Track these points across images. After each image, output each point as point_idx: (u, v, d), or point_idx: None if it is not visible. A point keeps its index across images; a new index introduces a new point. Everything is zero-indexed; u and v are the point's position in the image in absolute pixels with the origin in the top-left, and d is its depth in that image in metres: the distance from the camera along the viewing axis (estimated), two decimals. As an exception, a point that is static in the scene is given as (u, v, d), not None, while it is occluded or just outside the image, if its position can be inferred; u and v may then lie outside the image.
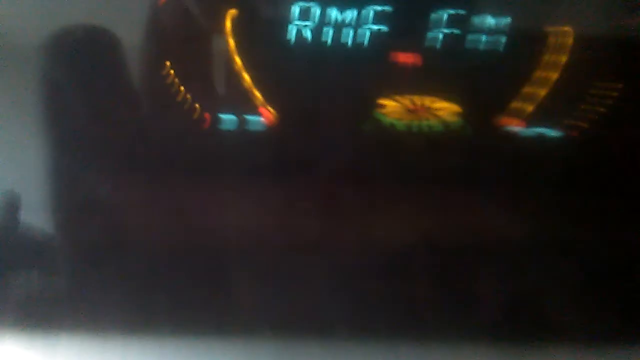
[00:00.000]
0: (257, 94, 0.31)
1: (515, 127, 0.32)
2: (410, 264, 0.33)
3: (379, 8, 0.30)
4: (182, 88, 0.30)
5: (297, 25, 0.30)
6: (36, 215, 0.33)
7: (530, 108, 0.32)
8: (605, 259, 0.33)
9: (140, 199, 0.33)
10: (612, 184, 0.33)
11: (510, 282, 0.34)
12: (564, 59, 0.31)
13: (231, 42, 0.30)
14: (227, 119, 0.31)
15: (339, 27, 0.30)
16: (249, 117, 0.31)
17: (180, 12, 0.30)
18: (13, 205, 0.33)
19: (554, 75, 0.31)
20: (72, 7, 0.29)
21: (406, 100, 0.31)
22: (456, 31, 0.30)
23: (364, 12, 0.30)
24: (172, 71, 0.30)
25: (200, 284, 0.33)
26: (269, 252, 0.33)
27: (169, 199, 0.32)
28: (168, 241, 0.33)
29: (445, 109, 0.32)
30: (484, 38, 0.30)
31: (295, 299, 0.34)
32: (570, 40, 0.31)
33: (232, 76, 0.30)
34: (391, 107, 0.32)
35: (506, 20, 0.30)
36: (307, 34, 0.30)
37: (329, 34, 0.30)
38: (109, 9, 0.29)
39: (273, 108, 0.31)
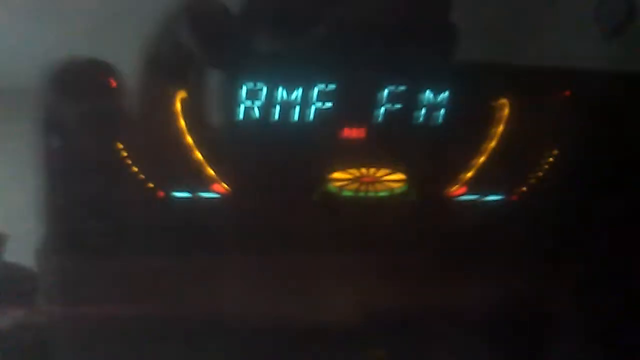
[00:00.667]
0: (210, 171, 0.32)
1: (457, 192, 0.34)
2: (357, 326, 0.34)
3: (323, 87, 0.31)
4: (135, 168, 0.31)
5: (245, 105, 0.31)
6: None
7: (469, 174, 0.33)
8: (539, 315, 0.35)
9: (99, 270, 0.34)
10: (548, 242, 0.34)
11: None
12: (500, 128, 0.33)
13: (182, 122, 0.31)
14: (181, 196, 0.32)
15: (285, 105, 0.31)
16: (203, 194, 0.32)
17: (132, 96, 0.30)
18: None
19: (491, 144, 0.33)
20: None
21: (353, 171, 0.33)
22: (398, 106, 0.32)
23: (309, 90, 0.31)
24: (124, 152, 0.31)
25: (147, 349, 0.34)
26: (223, 320, 0.34)
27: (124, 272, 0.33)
28: (122, 307, 0.34)
29: (390, 178, 0.33)
30: (424, 112, 0.32)
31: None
32: (505, 111, 0.33)
33: (185, 155, 0.31)
34: (339, 178, 0.33)
35: (444, 95, 0.32)
36: (256, 113, 0.31)
37: (276, 113, 0.31)
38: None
39: (226, 184, 0.32)
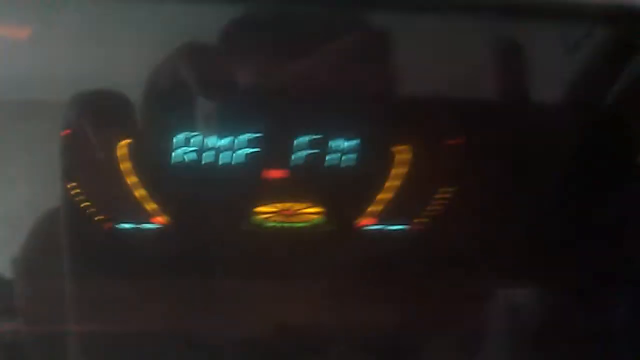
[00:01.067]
0: (151, 205, 0.37)
1: (368, 223, 0.39)
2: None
3: (251, 135, 0.36)
4: (87, 202, 0.36)
5: (181, 151, 0.36)
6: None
7: (379, 208, 0.39)
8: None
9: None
10: (451, 268, 0.40)
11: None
12: (405, 170, 0.38)
13: (125, 165, 0.36)
14: (127, 227, 0.37)
15: (216, 150, 0.36)
16: (145, 225, 0.37)
17: (81, 143, 0.35)
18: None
19: (398, 183, 0.38)
20: None
21: (277, 205, 0.38)
22: (315, 151, 0.37)
23: (237, 138, 0.36)
24: (77, 189, 0.36)
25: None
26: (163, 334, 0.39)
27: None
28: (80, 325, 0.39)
29: (310, 212, 0.38)
30: (338, 156, 0.37)
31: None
32: (409, 156, 0.38)
33: (128, 192, 0.36)
34: (264, 211, 0.38)
35: (356, 142, 0.37)
36: (191, 157, 0.36)
37: (208, 157, 0.36)
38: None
39: (166, 216, 0.37)
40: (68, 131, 0.35)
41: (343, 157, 0.37)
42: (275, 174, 0.37)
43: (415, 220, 0.39)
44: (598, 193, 0.41)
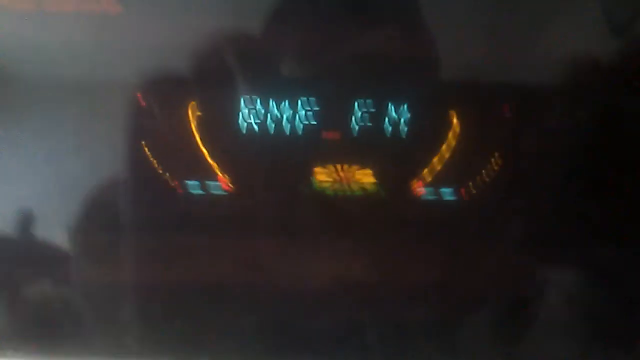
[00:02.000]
0: (215, 165, 0.40)
1: (418, 191, 0.41)
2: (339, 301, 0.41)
3: (307, 104, 0.39)
4: (155, 162, 0.40)
5: (244, 117, 0.39)
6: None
7: (429, 176, 0.41)
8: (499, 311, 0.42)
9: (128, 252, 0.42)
10: (495, 239, 0.41)
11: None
12: (453, 138, 0.40)
13: (196, 134, 0.39)
14: (192, 184, 0.40)
15: (277, 118, 0.39)
16: (210, 183, 0.40)
17: (154, 106, 0.39)
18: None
19: (445, 150, 0.40)
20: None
21: (333, 169, 0.40)
22: (367, 117, 0.40)
23: (296, 103, 0.39)
24: (146, 149, 0.40)
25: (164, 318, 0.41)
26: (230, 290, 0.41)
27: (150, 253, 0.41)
28: (143, 279, 0.42)
29: (362, 178, 0.41)
30: (389, 123, 0.40)
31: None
32: (457, 125, 0.40)
33: (199, 158, 0.40)
34: (322, 175, 0.41)
35: (406, 110, 0.40)
36: (254, 123, 0.39)
37: (271, 124, 0.40)
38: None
39: (228, 176, 0.40)
40: (145, 98, 0.39)
41: (393, 124, 0.40)
42: (333, 136, 0.40)
43: (465, 189, 0.41)
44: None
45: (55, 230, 0.42)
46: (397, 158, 0.40)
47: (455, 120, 0.40)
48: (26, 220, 0.41)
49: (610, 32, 0.40)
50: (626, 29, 0.40)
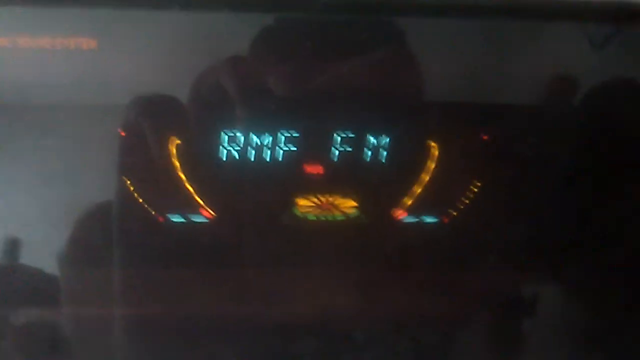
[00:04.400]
0: (199, 200, 0.40)
1: (399, 215, 0.42)
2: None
3: (287, 134, 0.39)
4: (140, 199, 0.40)
5: (226, 148, 0.39)
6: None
7: (410, 201, 0.41)
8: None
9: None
10: (477, 259, 0.42)
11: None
12: (432, 165, 0.41)
13: (176, 163, 0.40)
14: (177, 220, 0.41)
15: (259, 148, 0.40)
16: (193, 218, 0.41)
17: (136, 143, 0.39)
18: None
19: (426, 177, 0.41)
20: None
21: (315, 200, 0.41)
22: (348, 148, 0.40)
23: (279, 136, 0.40)
24: (130, 186, 0.40)
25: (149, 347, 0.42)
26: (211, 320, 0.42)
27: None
28: (127, 310, 0.42)
29: (344, 204, 0.41)
30: (369, 153, 0.40)
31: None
32: (436, 152, 0.41)
33: (178, 187, 0.40)
34: (304, 205, 0.41)
35: (386, 140, 0.40)
36: (235, 155, 0.40)
37: (252, 154, 0.40)
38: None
39: (212, 210, 0.41)
40: (125, 131, 0.39)
41: (373, 153, 0.40)
42: (311, 168, 0.40)
43: (445, 213, 0.42)
44: (631, 189, 0.43)
45: (39, 258, 0.42)
46: (378, 187, 0.41)
47: (434, 149, 0.41)
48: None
49: (589, 53, 0.41)
50: (604, 47, 0.41)
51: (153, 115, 0.39)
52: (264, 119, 0.40)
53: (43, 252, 0.41)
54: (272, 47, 0.39)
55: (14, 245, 0.41)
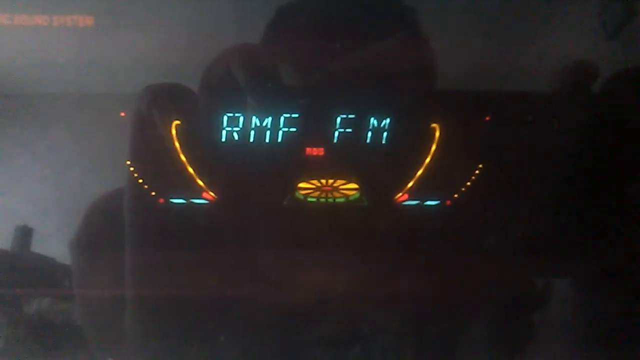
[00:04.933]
0: (200, 182, 0.40)
1: (401, 198, 0.41)
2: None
3: (288, 115, 0.39)
4: (140, 180, 0.40)
5: (226, 130, 0.39)
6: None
7: (411, 184, 0.41)
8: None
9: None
10: (479, 243, 0.42)
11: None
12: (434, 146, 0.41)
13: (177, 144, 0.39)
14: (178, 202, 0.41)
15: (259, 130, 0.39)
16: (195, 200, 0.41)
17: (139, 123, 0.39)
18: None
19: (428, 159, 0.41)
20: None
21: (315, 182, 0.41)
22: (349, 130, 0.40)
23: (278, 118, 0.39)
24: (131, 167, 0.40)
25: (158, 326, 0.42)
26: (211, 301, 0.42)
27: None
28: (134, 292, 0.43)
29: (345, 187, 0.41)
30: (370, 134, 0.40)
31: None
32: (438, 133, 0.40)
33: (179, 170, 0.40)
34: (304, 187, 0.41)
35: (387, 121, 0.40)
36: (235, 136, 0.39)
37: (252, 135, 0.40)
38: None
39: (212, 192, 0.41)
40: (129, 115, 0.39)
41: (377, 135, 0.40)
42: (311, 150, 0.40)
43: (448, 196, 0.41)
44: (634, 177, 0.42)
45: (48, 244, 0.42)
46: (379, 169, 0.41)
47: (436, 131, 0.40)
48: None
49: (599, 39, 0.40)
50: (617, 35, 0.40)
51: (156, 99, 0.39)
52: (268, 99, 0.39)
53: (55, 240, 0.42)
54: (278, 31, 0.38)
55: (25, 234, 0.42)
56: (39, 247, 0.42)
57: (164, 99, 0.39)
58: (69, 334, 0.43)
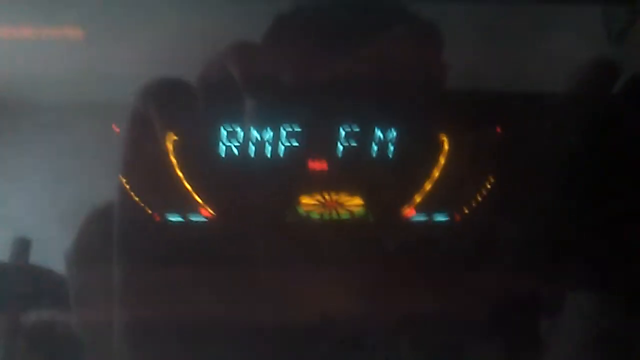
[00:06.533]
0: (197, 198, 0.38)
1: (408, 214, 0.40)
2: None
3: (290, 129, 0.37)
4: (136, 198, 0.38)
5: (225, 144, 0.37)
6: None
7: (419, 198, 0.39)
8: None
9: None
10: (490, 260, 0.40)
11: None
12: (443, 159, 0.39)
13: (173, 159, 0.38)
14: (174, 219, 0.39)
15: (259, 144, 0.38)
16: (192, 217, 0.39)
17: (132, 139, 0.37)
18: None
19: (437, 173, 0.39)
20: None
21: (319, 197, 0.39)
22: (354, 143, 0.38)
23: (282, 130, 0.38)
24: (127, 185, 0.38)
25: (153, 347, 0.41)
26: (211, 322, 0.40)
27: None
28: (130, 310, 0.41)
29: (350, 202, 0.39)
30: (376, 147, 0.38)
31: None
32: (447, 146, 0.39)
33: (176, 186, 0.38)
34: (307, 203, 0.39)
35: (393, 133, 0.38)
36: (236, 150, 0.38)
37: (252, 150, 0.38)
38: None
39: (211, 209, 0.39)
40: (122, 129, 0.37)
41: (383, 149, 0.38)
42: (314, 165, 0.38)
43: (457, 211, 0.39)
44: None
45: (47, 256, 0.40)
46: (385, 183, 0.39)
47: (445, 143, 0.38)
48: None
49: (609, 44, 0.39)
50: (622, 42, 0.39)
51: (152, 109, 0.37)
52: (268, 110, 0.38)
53: (53, 252, 0.40)
54: (278, 36, 0.37)
55: (23, 245, 0.40)
56: (37, 258, 0.40)
57: (164, 98, 0.37)
58: (67, 346, 0.42)
